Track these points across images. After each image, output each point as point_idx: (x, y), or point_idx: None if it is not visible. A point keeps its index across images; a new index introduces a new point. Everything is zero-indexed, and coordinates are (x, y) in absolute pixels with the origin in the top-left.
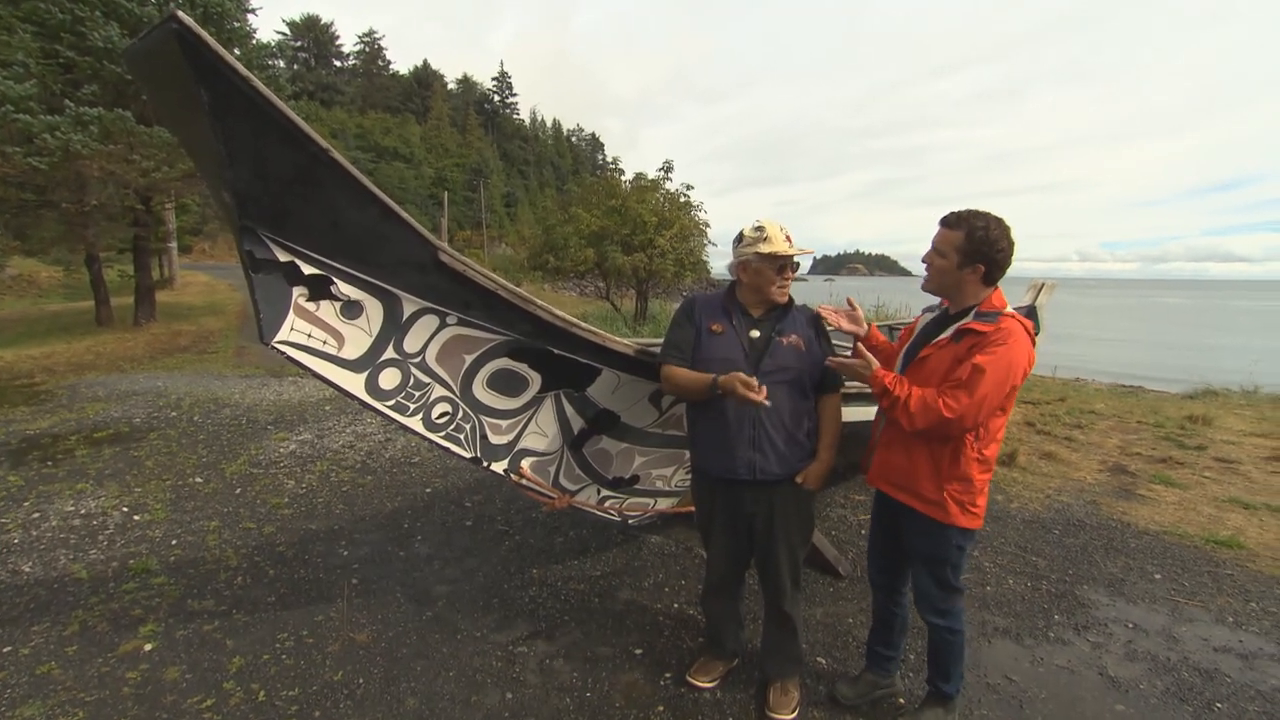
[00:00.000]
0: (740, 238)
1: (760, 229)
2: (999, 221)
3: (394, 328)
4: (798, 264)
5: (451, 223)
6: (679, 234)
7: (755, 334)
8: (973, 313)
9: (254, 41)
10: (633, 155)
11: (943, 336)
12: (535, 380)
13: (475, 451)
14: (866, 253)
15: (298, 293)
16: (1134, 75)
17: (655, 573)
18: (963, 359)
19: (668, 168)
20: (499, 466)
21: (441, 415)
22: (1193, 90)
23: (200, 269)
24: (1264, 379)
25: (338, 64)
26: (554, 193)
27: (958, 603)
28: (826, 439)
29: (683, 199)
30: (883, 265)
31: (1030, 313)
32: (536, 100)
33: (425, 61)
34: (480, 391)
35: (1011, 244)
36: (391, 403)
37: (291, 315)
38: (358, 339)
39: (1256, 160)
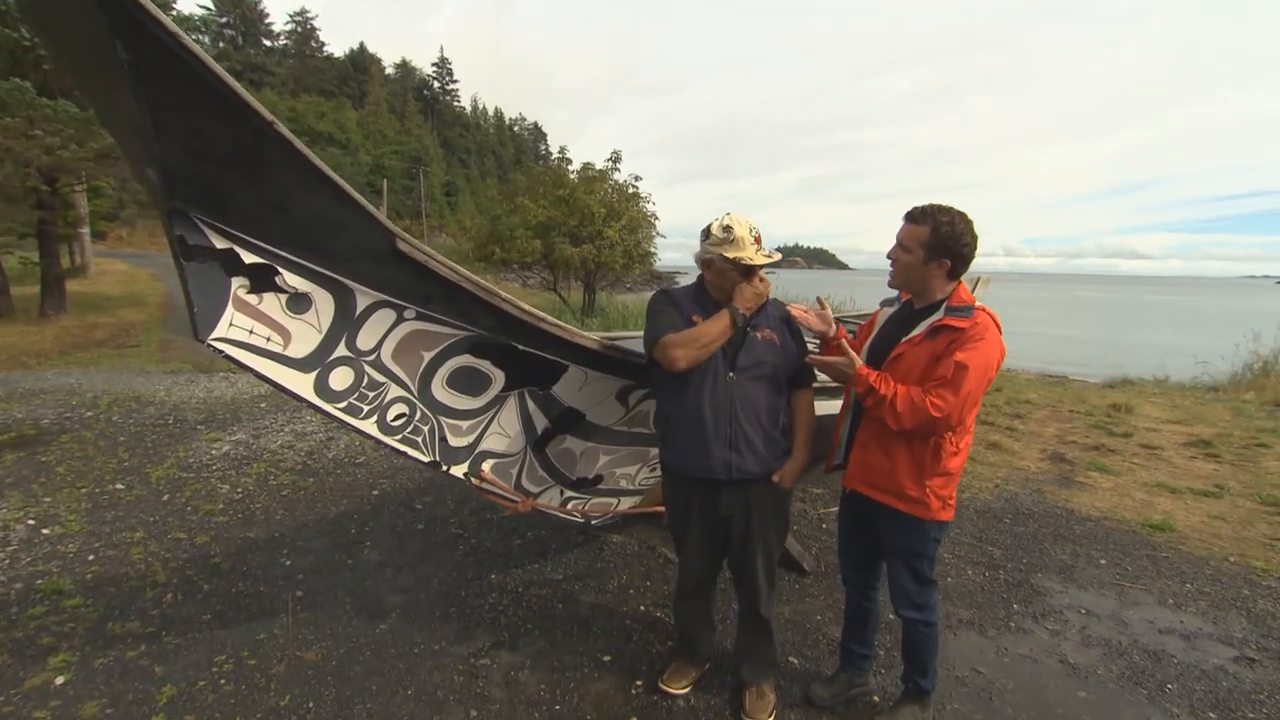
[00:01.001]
0: (707, 233)
1: (728, 230)
2: (963, 216)
3: (346, 323)
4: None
5: (391, 211)
6: (628, 225)
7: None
8: (944, 308)
9: (174, 12)
10: (577, 146)
11: (916, 333)
12: (498, 378)
13: (434, 455)
14: (806, 246)
15: (237, 284)
16: (1055, 82)
17: (619, 574)
18: (942, 356)
19: (616, 158)
20: (459, 470)
21: (398, 417)
22: (1106, 99)
23: (118, 256)
24: (1173, 369)
25: (267, 44)
26: (496, 182)
27: (933, 595)
28: (800, 436)
29: (631, 190)
30: (821, 259)
31: None
32: (478, 88)
33: (361, 44)
34: (440, 391)
35: (975, 238)
36: (344, 405)
37: (230, 309)
38: (306, 335)
39: (1158, 166)
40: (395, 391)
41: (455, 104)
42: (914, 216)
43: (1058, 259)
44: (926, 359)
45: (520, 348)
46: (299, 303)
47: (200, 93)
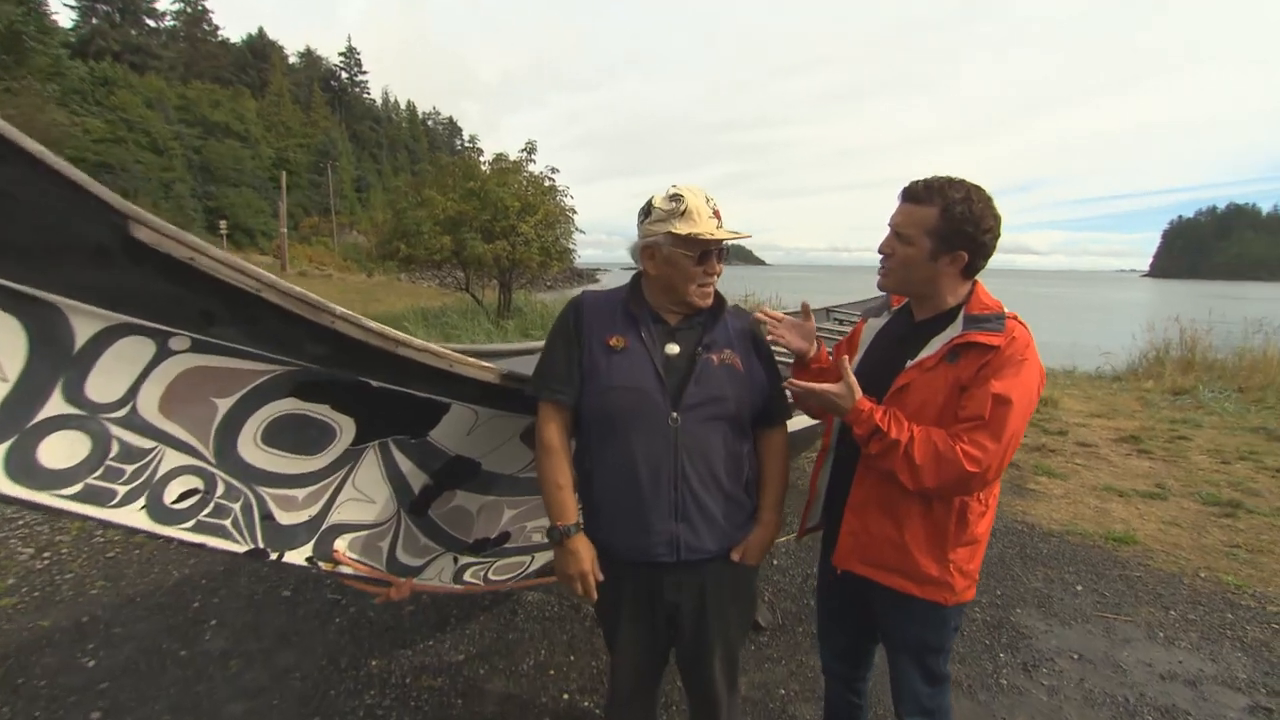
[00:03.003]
0: (648, 210)
1: (677, 199)
2: (980, 191)
3: (58, 363)
4: (728, 249)
5: (297, 208)
6: (544, 220)
7: (673, 350)
8: (961, 318)
9: None
10: (492, 141)
11: (928, 354)
12: (345, 428)
13: (254, 541)
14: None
15: None
16: (951, 86)
17: (535, 648)
18: (970, 386)
19: (530, 149)
20: (299, 555)
21: (185, 496)
22: (996, 104)
23: None
24: (1079, 360)
25: (151, 23)
26: (408, 176)
27: (947, 695)
28: (771, 493)
29: (548, 183)
30: (739, 254)
31: (887, 301)
32: (389, 80)
33: (261, 30)
34: (253, 452)
35: (999, 220)
36: (75, 489)
37: None
38: None
39: (1044, 167)
40: (174, 459)
41: (365, 96)
42: (915, 194)
43: None
44: (946, 390)
45: (375, 384)
46: None
47: None
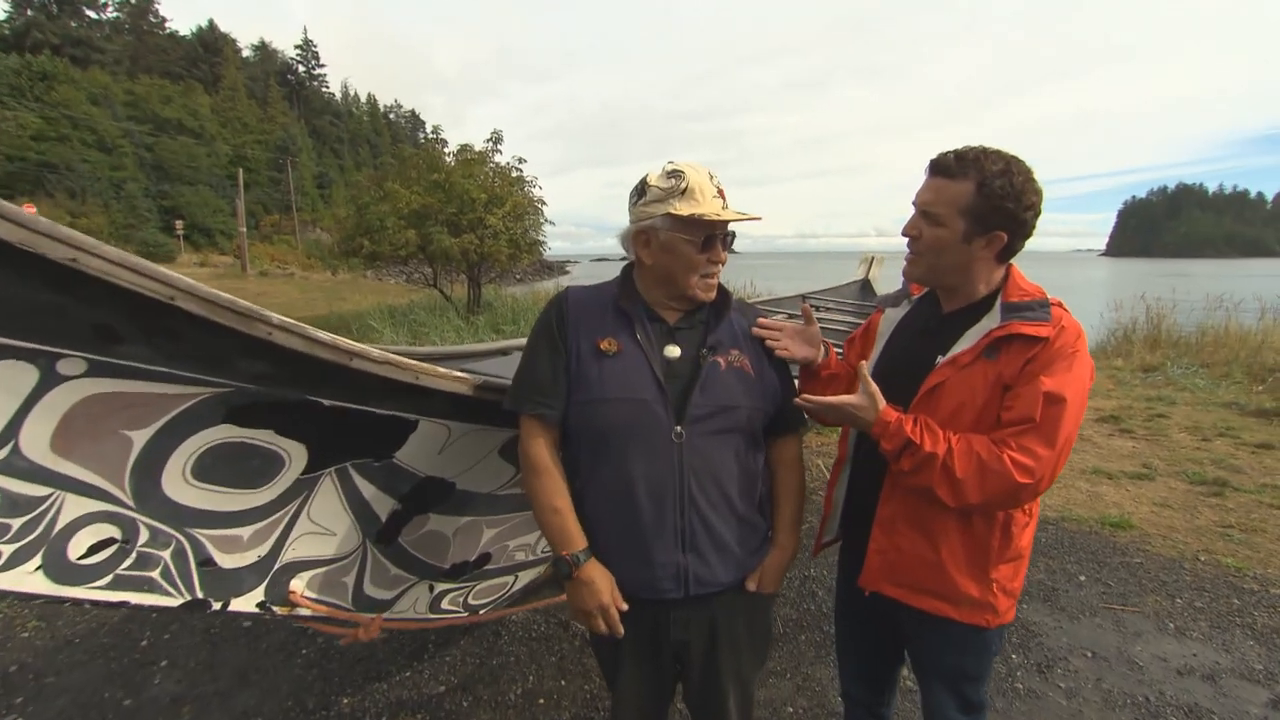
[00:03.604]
0: (642, 190)
1: (677, 175)
2: (1019, 162)
3: None
4: (734, 235)
5: (257, 206)
6: (512, 212)
7: (674, 352)
8: (998, 307)
9: None
10: (458, 134)
11: (962, 349)
12: (295, 455)
13: (191, 591)
14: None
15: None
16: (918, 73)
17: (523, 674)
18: (1014, 384)
19: (496, 139)
20: (248, 601)
21: (98, 548)
22: (963, 90)
23: None
24: None
25: (92, 15)
26: (370, 169)
27: None
28: (787, 511)
29: (515, 173)
30: None
31: (865, 288)
32: (349, 73)
33: (211, 22)
34: (181, 490)
35: (1040, 194)
36: None
37: None
38: None
39: (1012, 151)
40: (78, 506)
41: (324, 90)
42: (946, 167)
43: None
44: (987, 389)
45: (327, 403)
46: None
47: None
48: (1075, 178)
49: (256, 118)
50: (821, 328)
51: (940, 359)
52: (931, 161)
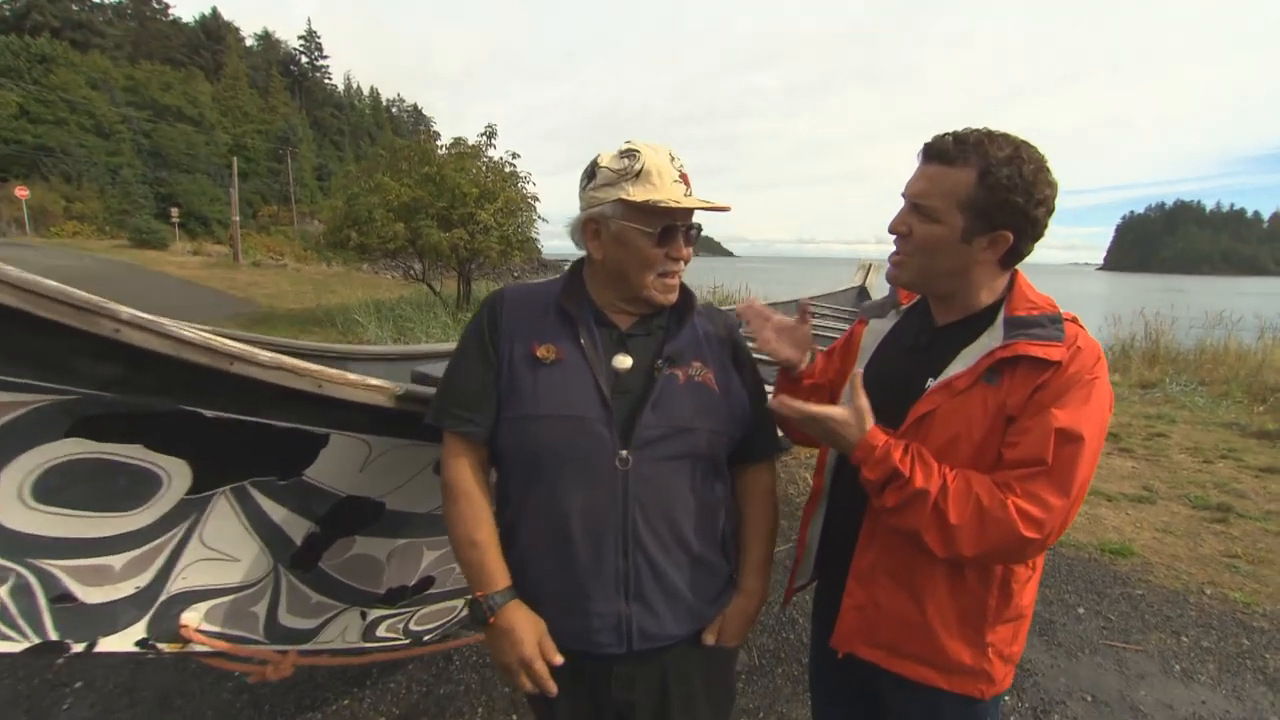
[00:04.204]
0: (592, 172)
1: (631, 155)
2: (1030, 148)
3: None
4: (699, 229)
5: (255, 196)
6: (504, 208)
7: (624, 363)
8: (1001, 322)
9: None
10: (458, 131)
11: (957, 371)
12: (176, 472)
13: (41, 633)
14: None
15: None
16: (918, 78)
17: (472, 704)
18: (1019, 415)
19: (490, 133)
20: (124, 639)
21: None
22: (956, 99)
23: None
24: None
25: None
26: (353, 159)
27: None
28: (756, 553)
29: (508, 168)
30: (706, 246)
31: (862, 294)
32: (352, 66)
33: (214, 9)
34: (19, 514)
35: (1055, 187)
36: None
37: None
38: None
39: None
40: None
41: (326, 81)
42: (943, 152)
43: None
44: (986, 420)
45: (209, 415)
46: None
47: None
48: (1073, 191)
49: (257, 107)
50: (816, 335)
51: (931, 382)
52: (926, 145)
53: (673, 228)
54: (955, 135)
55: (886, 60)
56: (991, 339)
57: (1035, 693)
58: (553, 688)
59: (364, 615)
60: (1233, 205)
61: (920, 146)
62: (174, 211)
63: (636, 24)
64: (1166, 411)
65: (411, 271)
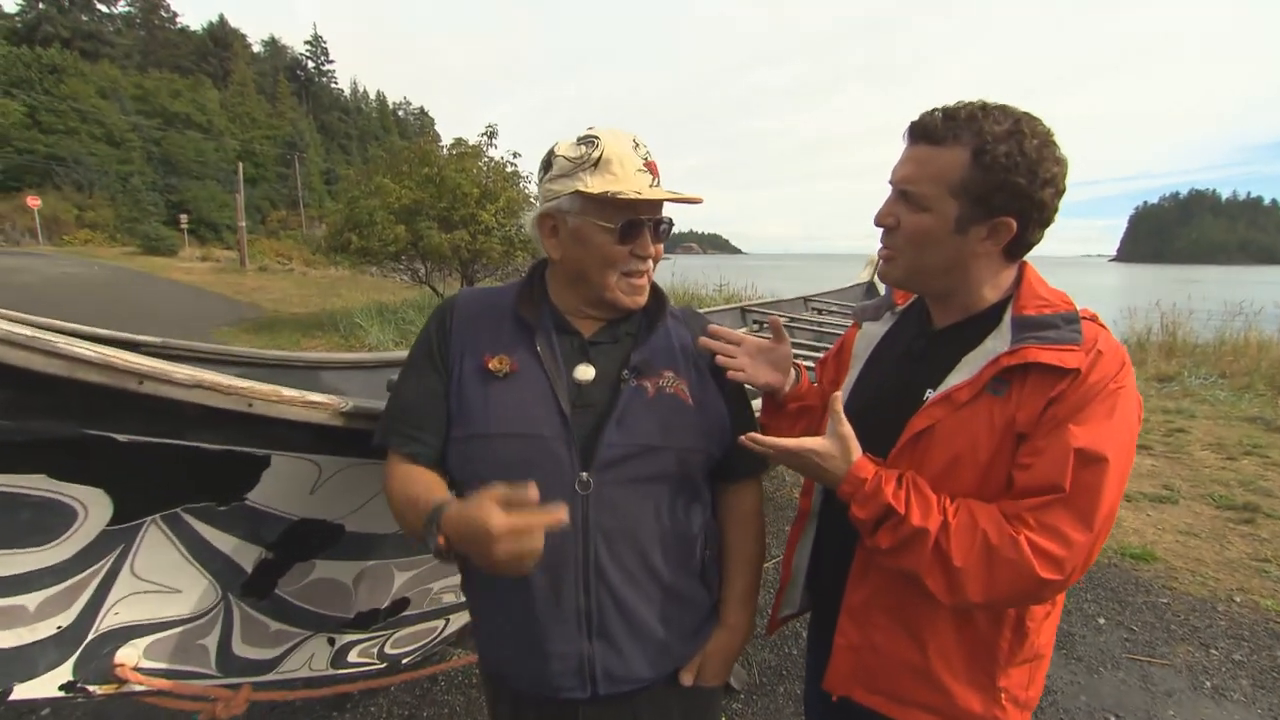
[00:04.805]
0: (548, 162)
1: (590, 143)
2: (1033, 121)
3: None
4: (670, 223)
5: (264, 201)
6: (506, 208)
7: (587, 374)
8: (1008, 323)
9: None
10: (465, 133)
11: (960, 381)
12: (93, 503)
13: None
14: (700, 232)
15: None
16: (920, 77)
17: None
18: (1031, 433)
19: (491, 133)
20: (44, 685)
21: None
22: (968, 92)
23: None
24: None
25: (104, 9)
26: (360, 162)
27: None
28: (739, 582)
29: (510, 168)
30: (715, 244)
31: (870, 291)
32: (358, 70)
33: (221, 17)
34: None
35: (1064, 165)
36: None
37: None
38: None
39: None
40: None
41: (333, 86)
42: (931, 130)
43: None
44: (994, 438)
45: (122, 439)
46: None
47: None
48: (1085, 182)
49: (265, 113)
50: (823, 332)
51: (930, 393)
52: (911, 124)
53: (636, 222)
54: (945, 110)
55: (893, 56)
56: (997, 343)
57: (1054, 713)
58: (538, 520)
59: (332, 641)
60: (1249, 193)
61: (906, 126)
62: (183, 218)
63: (641, 26)
64: (1186, 406)
65: (416, 274)
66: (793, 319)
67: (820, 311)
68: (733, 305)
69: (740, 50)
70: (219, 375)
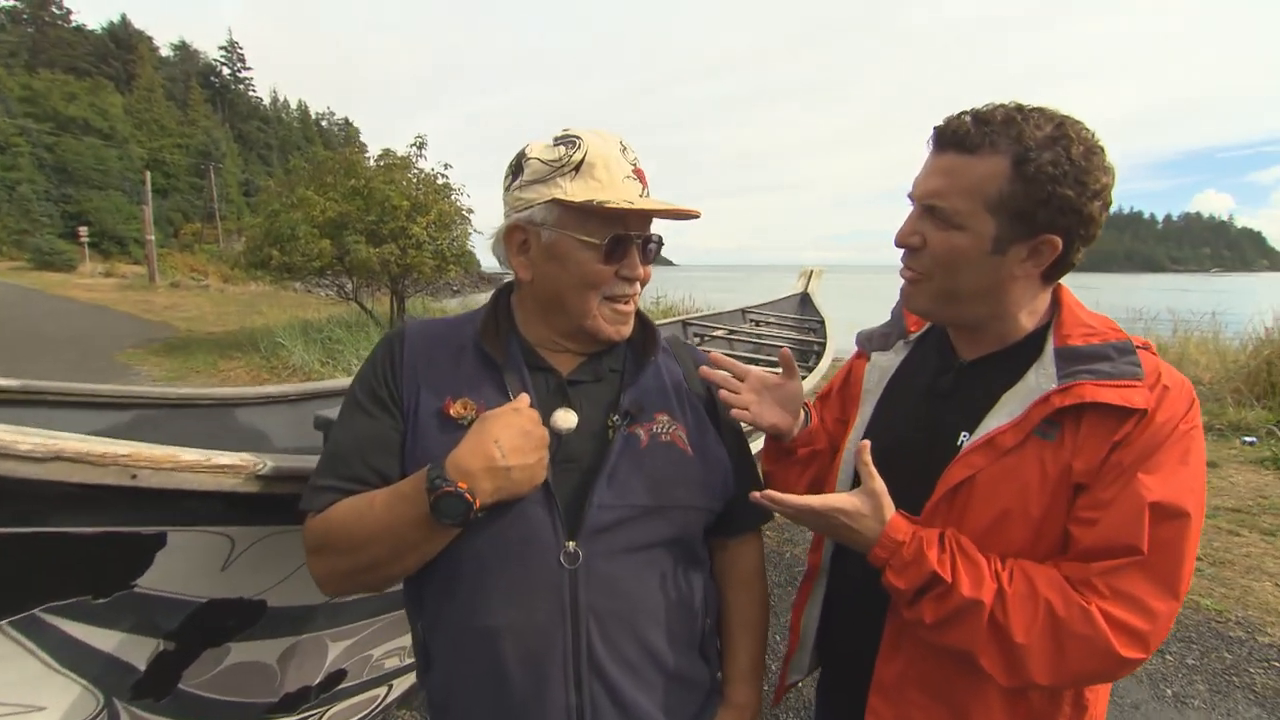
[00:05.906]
0: (519, 166)
1: (570, 143)
2: (1077, 125)
3: None
4: (660, 241)
5: (176, 213)
6: (437, 221)
7: (568, 421)
8: (1050, 354)
9: None
10: (392, 144)
11: (1003, 424)
12: None
13: None
14: None
15: None
16: (855, 92)
17: None
18: (1091, 484)
19: (420, 144)
20: None
21: None
22: (875, 114)
23: None
24: None
25: None
26: (281, 173)
27: None
28: (744, 654)
29: (440, 180)
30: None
31: (805, 301)
32: (278, 78)
33: (124, 17)
34: None
35: (1112, 174)
36: None
37: None
38: None
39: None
40: None
41: (251, 94)
42: (961, 138)
43: (855, 252)
44: (1047, 490)
45: None
46: None
47: None
48: None
49: (176, 120)
50: (759, 343)
51: (965, 437)
52: (937, 129)
53: (624, 238)
54: (976, 113)
55: (821, 73)
56: (1041, 379)
57: None
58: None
59: None
60: (1132, 208)
61: (930, 132)
62: (82, 231)
63: (573, 37)
64: None
65: (343, 290)
66: (731, 331)
67: (758, 323)
68: (673, 319)
69: (674, 63)
70: (88, 441)
